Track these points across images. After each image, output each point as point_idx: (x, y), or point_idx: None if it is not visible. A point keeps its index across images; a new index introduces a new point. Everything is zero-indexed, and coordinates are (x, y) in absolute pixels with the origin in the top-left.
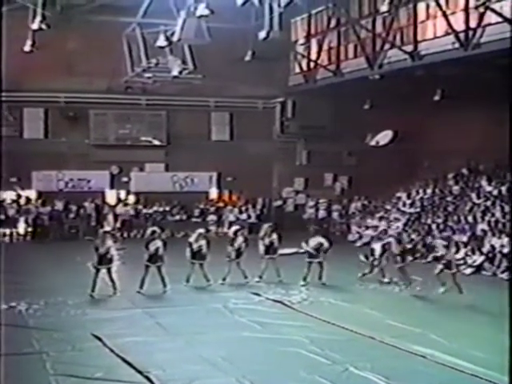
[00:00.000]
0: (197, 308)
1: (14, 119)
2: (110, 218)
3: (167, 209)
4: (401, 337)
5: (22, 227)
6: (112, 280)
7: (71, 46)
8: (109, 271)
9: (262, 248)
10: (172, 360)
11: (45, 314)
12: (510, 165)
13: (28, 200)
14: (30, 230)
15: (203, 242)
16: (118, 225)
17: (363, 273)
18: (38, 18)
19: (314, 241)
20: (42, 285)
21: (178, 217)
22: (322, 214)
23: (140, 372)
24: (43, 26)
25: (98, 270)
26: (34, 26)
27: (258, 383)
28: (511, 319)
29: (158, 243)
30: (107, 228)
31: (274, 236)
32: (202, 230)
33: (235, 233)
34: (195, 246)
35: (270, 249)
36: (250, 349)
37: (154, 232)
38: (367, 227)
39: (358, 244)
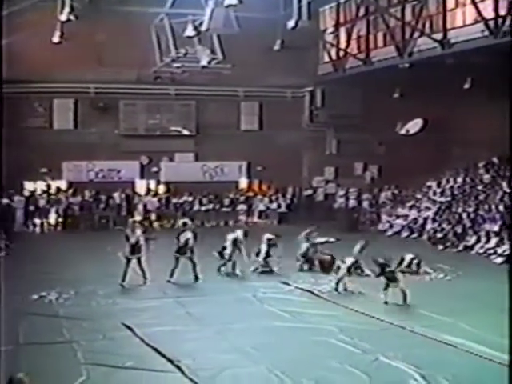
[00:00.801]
0: (227, 297)
1: (44, 110)
2: (140, 207)
3: (197, 198)
4: (431, 326)
5: (52, 217)
6: (142, 270)
7: (100, 37)
8: (139, 261)
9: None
10: (202, 349)
11: (75, 303)
12: None
13: (58, 190)
14: (60, 220)
15: (190, 235)
16: (148, 215)
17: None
18: (67, 9)
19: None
20: (73, 275)
21: (207, 206)
22: (352, 203)
23: (170, 361)
24: (72, 17)
25: (128, 260)
26: (63, 17)
27: (288, 372)
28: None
29: (188, 235)
30: (137, 218)
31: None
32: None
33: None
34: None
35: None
36: (280, 338)
37: (185, 224)
38: (397, 216)
39: (389, 233)
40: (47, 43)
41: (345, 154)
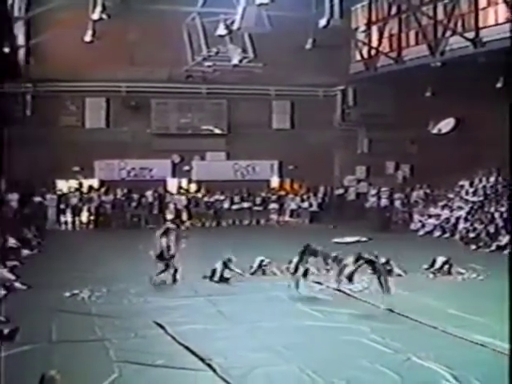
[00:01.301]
0: (258, 296)
1: (77, 109)
2: (172, 206)
3: (228, 197)
4: (463, 326)
5: (84, 216)
6: (174, 268)
7: (132, 36)
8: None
9: None
10: (233, 348)
11: (107, 301)
12: None
13: (91, 189)
14: (92, 218)
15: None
16: (179, 213)
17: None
18: (99, 8)
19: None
20: (105, 273)
21: (239, 205)
22: (383, 202)
23: (202, 359)
24: (104, 16)
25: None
26: (95, 16)
27: (319, 371)
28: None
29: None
30: (169, 216)
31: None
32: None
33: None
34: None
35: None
36: (311, 337)
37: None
38: (430, 216)
39: (421, 233)
40: (79, 42)
41: (376, 153)
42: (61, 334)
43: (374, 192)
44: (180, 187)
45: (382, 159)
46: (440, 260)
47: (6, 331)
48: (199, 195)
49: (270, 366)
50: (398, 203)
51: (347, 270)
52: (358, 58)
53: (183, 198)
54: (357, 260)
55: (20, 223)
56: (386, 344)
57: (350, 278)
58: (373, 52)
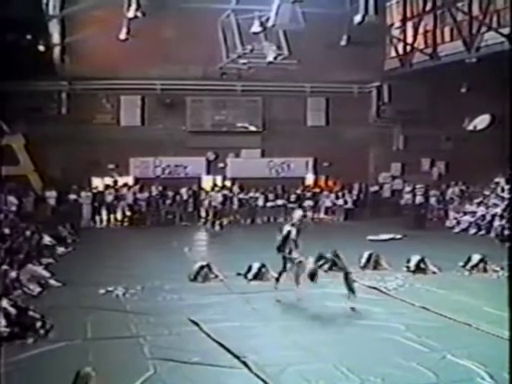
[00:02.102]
0: (292, 293)
1: (112, 107)
2: (206, 203)
3: (263, 194)
4: (497, 323)
5: (119, 213)
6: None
7: (166, 34)
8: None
9: None
10: (268, 345)
11: (142, 298)
12: None
13: (125, 186)
14: (127, 215)
15: None
16: (214, 210)
17: None
18: (134, 6)
19: None
20: (139, 270)
21: (274, 203)
22: (419, 199)
23: (237, 357)
24: (138, 14)
25: None
26: (130, 14)
27: (354, 369)
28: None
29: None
30: (203, 214)
31: None
32: None
33: None
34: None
35: None
36: (346, 335)
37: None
38: (465, 213)
39: (456, 230)
40: (114, 40)
41: (412, 150)
42: (96, 331)
43: (409, 189)
44: (215, 184)
45: (418, 156)
46: (475, 257)
47: (41, 329)
48: (234, 193)
49: (305, 364)
50: (433, 200)
51: (308, 270)
52: (393, 54)
53: (219, 195)
54: (318, 259)
55: (55, 221)
56: (421, 342)
57: (311, 278)
58: (408, 48)
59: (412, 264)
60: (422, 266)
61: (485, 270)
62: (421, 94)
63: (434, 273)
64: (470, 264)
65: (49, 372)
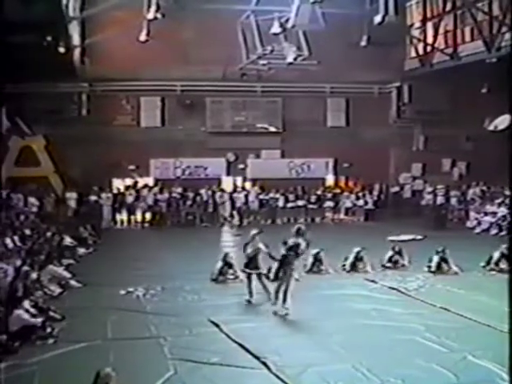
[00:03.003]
0: (312, 294)
1: (132, 108)
2: (227, 204)
3: (283, 195)
4: None
5: (139, 214)
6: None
7: (186, 35)
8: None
9: None
10: (288, 346)
11: (162, 299)
12: None
13: (146, 187)
14: (147, 216)
15: None
16: (235, 211)
17: None
18: (153, 8)
19: None
20: (159, 270)
21: (294, 203)
22: (439, 200)
23: (256, 357)
24: (158, 16)
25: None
26: (149, 16)
27: (374, 370)
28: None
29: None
30: (224, 215)
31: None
32: None
33: None
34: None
35: None
36: (366, 336)
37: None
38: (486, 213)
39: (477, 231)
40: (134, 42)
41: (432, 150)
42: (116, 331)
43: (430, 189)
44: (235, 185)
45: (438, 156)
46: (496, 255)
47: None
48: (254, 193)
49: (325, 365)
50: (454, 201)
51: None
52: (413, 54)
53: (242, 195)
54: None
55: (76, 222)
56: (441, 343)
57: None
58: (428, 48)
59: (434, 263)
60: (444, 266)
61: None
62: (441, 94)
63: (455, 273)
64: (491, 264)
65: (69, 372)
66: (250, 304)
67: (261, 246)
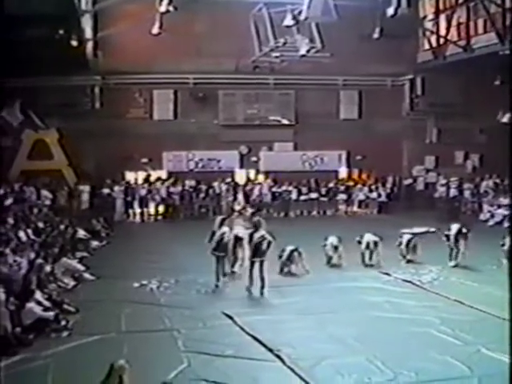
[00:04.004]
0: (326, 287)
1: (145, 101)
2: (240, 197)
3: (296, 188)
4: None
5: (152, 207)
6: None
7: (198, 28)
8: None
9: None
10: (302, 339)
11: (175, 291)
12: None
13: (159, 180)
14: (160, 209)
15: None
16: (248, 204)
17: None
18: (165, 1)
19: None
20: (173, 263)
21: (307, 196)
22: (453, 192)
23: (270, 350)
24: (170, 8)
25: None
26: (162, 9)
27: (388, 363)
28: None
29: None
30: (237, 207)
31: None
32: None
33: None
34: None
35: None
36: (380, 328)
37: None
38: (499, 206)
39: (490, 223)
40: (146, 35)
41: (445, 143)
42: (130, 324)
43: (443, 182)
44: (248, 178)
45: (451, 149)
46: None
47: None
48: (267, 186)
49: (339, 358)
50: (467, 193)
51: None
52: (427, 46)
53: (257, 188)
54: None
55: (89, 215)
56: (455, 335)
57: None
58: (441, 41)
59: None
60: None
61: None
62: (454, 86)
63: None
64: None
65: (83, 365)
66: (251, 293)
67: (264, 233)
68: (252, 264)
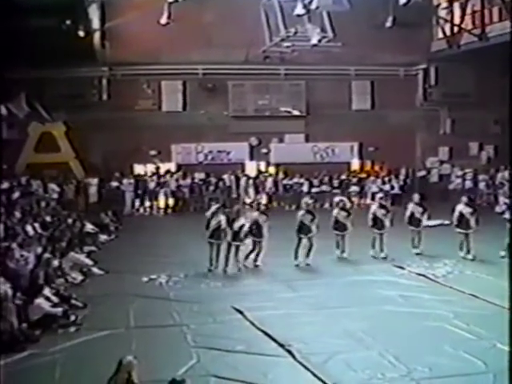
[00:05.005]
0: (339, 281)
1: (153, 92)
2: (250, 189)
3: (308, 180)
4: None
5: (162, 200)
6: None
7: (208, 18)
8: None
9: None
10: (313, 333)
11: (185, 286)
12: None
13: (168, 173)
14: (170, 202)
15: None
16: (258, 196)
17: None
18: None
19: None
20: (182, 257)
21: (318, 188)
22: (468, 184)
23: (281, 345)
24: None
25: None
26: None
27: (401, 358)
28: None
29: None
30: (247, 200)
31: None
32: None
33: None
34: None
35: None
36: (393, 323)
37: (308, 204)
38: None
39: (506, 215)
40: (155, 25)
41: (459, 134)
42: (139, 319)
43: (459, 173)
44: (259, 170)
45: (465, 140)
46: None
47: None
48: (278, 178)
49: (351, 352)
50: (482, 185)
51: None
52: (440, 35)
53: (270, 180)
54: None
55: (97, 208)
56: (469, 330)
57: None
58: (455, 29)
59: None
60: None
61: None
62: (468, 76)
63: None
64: None
65: (92, 360)
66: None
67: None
68: (229, 247)
